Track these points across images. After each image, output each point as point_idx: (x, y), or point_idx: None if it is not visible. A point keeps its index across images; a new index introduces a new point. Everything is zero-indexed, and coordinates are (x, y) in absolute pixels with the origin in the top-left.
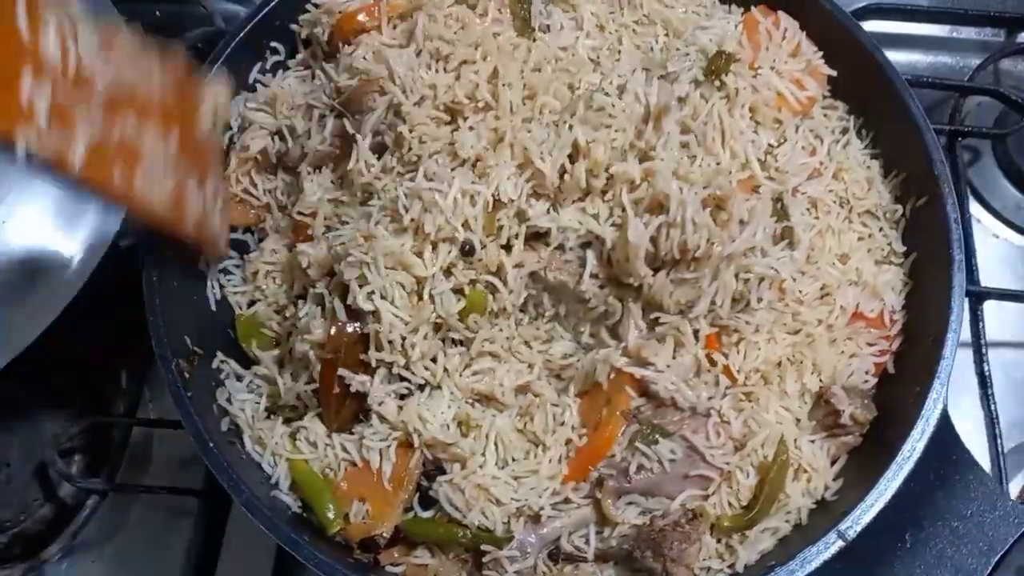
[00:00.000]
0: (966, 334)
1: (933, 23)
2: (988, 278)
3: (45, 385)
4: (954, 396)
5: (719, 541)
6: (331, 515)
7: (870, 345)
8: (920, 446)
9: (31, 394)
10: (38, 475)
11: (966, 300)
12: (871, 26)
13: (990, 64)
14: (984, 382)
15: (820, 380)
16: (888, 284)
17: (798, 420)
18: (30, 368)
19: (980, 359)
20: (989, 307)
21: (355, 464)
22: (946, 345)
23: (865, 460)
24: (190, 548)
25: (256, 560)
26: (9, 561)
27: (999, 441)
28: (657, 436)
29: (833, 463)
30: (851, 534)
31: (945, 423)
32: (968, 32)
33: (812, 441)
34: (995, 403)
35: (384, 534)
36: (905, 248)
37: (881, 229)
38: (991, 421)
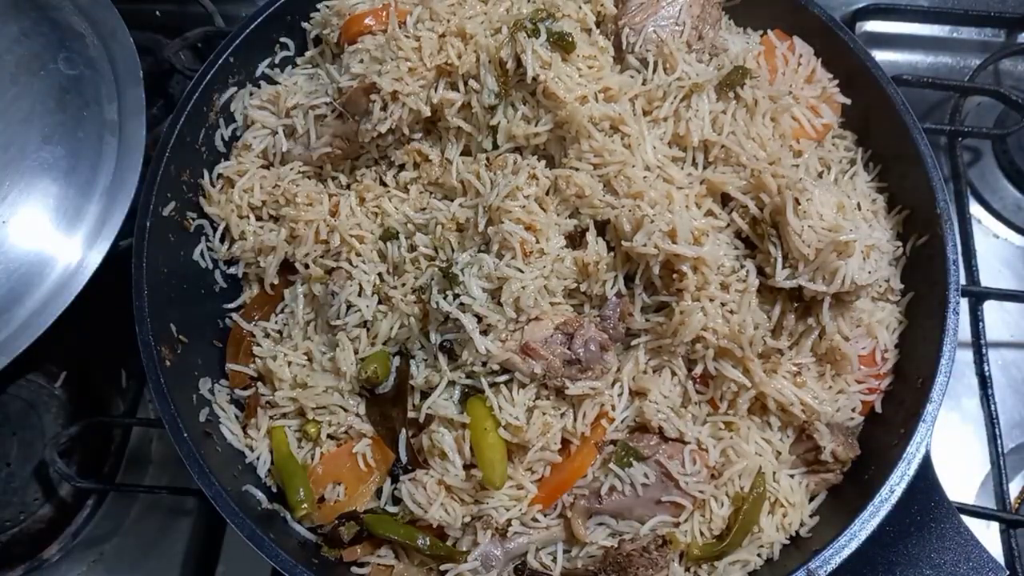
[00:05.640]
0: (966, 334)
1: (933, 23)
2: (988, 278)
3: (45, 385)
4: (954, 396)
5: (687, 570)
6: (299, 498)
7: (859, 383)
8: (899, 489)
9: (31, 394)
10: (38, 475)
11: (965, 300)
12: (871, 26)
13: (990, 64)
14: (984, 383)
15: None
16: (883, 323)
17: (778, 453)
18: (30, 368)
19: (980, 359)
20: (989, 307)
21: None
22: (934, 388)
23: (843, 499)
24: (190, 548)
25: (256, 560)
26: (9, 561)
27: (999, 441)
28: (631, 459)
29: (812, 499)
30: (821, 573)
31: (927, 468)
32: (968, 32)
33: (791, 476)
34: (995, 403)
35: (357, 509)
36: (903, 286)
37: None
38: (991, 421)
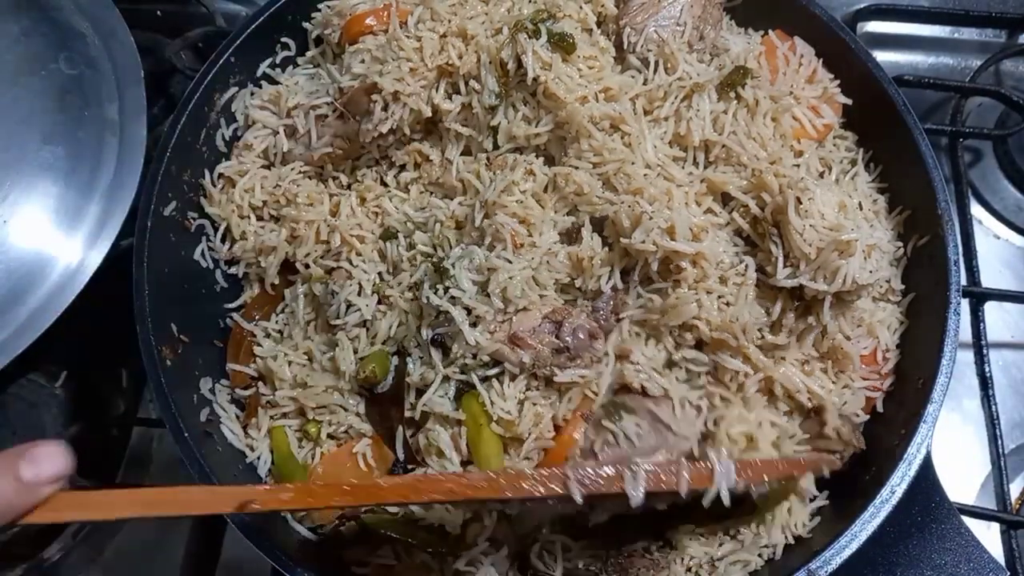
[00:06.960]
0: (967, 335)
1: (934, 24)
2: (988, 279)
3: (45, 385)
4: (955, 397)
5: (689, 571)
6: None
7: (864, 380)
8: (900, 490)
9: (31, 394)
10: None
11: (966, 300)
12: (872, 27)
13: (991, 65)
14: (985, 383)
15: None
16: (884, 323)
17: (789, 435)
18: (31, 368)
19: (981, 360)
20: (990, 308)
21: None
22: (935, 389)
23: (844, 499)
24: (190, 548)
25: (256, 560)
26: (9, 561)
27: (999, 442)
28: (621, 412)
29: (812, 501)
30: (822, 574)
31: (928, 468)
32: (969, 33)
33: (795, 452)
34: (995, 404)
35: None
36: (904, 287)
37: None
38: (991, 422)
